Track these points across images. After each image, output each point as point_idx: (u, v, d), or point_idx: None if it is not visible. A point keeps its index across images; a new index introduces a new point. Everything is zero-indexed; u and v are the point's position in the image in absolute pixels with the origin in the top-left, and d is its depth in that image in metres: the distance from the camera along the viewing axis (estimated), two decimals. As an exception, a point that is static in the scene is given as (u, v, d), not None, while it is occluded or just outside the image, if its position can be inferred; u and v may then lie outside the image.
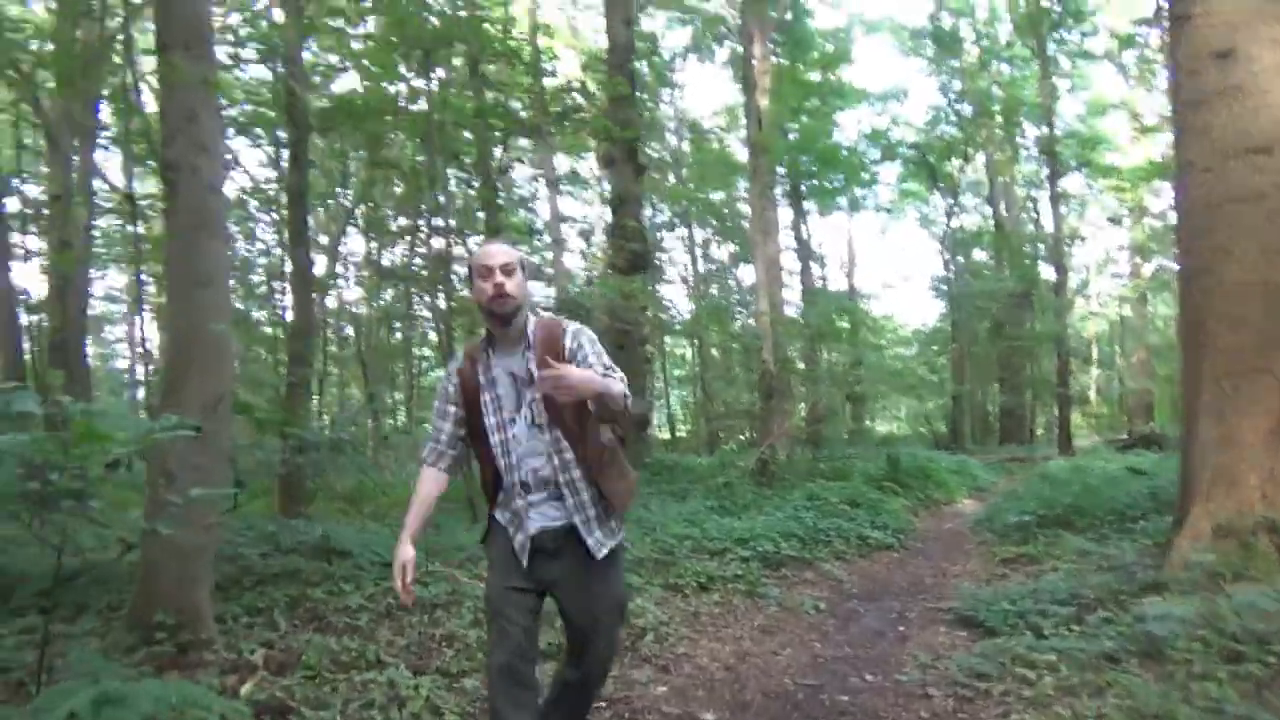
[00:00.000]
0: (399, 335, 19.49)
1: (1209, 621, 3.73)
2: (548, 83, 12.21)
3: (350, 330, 20.52)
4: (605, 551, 2.62)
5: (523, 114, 11.76)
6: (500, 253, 2.68)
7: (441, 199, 10.09)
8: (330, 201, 16.94)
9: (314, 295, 16.85)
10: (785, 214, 23.59)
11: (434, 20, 8.73)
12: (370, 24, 10.31)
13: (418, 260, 13.74)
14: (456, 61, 11.72)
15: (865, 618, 5.31)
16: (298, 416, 8.38)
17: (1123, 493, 7.60)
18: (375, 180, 12.24)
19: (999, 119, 23.44)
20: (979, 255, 27.42)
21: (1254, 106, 5.03)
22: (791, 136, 20.13)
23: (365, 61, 9.81)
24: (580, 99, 11.86)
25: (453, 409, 2.73)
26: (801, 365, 15.29)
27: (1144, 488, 7.64)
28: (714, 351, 25.96)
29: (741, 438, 20.09)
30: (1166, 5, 5.89)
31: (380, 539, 6.93)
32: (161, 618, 4.10)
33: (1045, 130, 19.03)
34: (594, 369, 2.57)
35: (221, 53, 8.31)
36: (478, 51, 10.71)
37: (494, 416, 2.65)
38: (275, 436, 6.53)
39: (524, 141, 13.72)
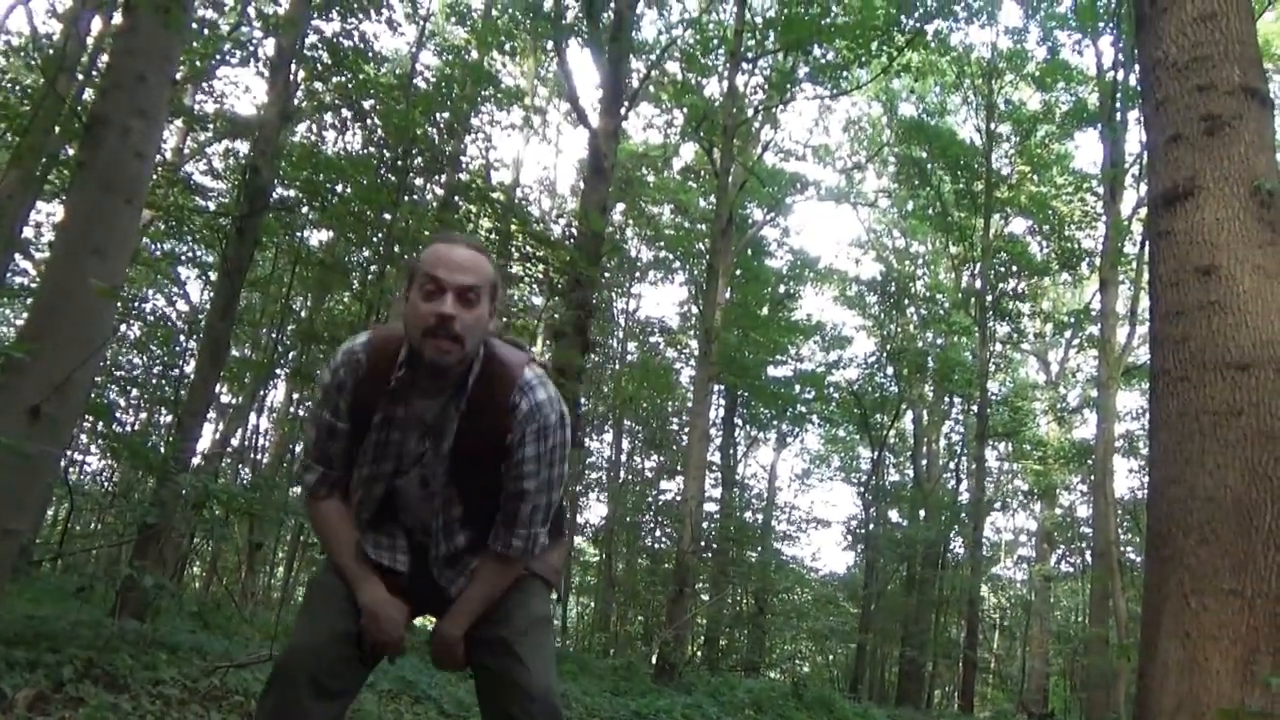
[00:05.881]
0: (297, 492, 18.28)
1: None
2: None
3: (248, 472, 19.36)
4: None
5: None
6: (466, 264, 1.80)
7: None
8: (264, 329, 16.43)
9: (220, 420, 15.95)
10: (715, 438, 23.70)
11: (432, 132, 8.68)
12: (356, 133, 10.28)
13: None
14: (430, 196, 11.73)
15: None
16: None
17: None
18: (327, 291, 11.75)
19: (931, 380, 24.33)
20: (895, 516, 27.56)
21: (1234, 324, 4.97)
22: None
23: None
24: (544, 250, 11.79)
25: (343, 427, 1.93)
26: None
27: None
28: (620, 566, 25.01)
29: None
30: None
31: (218, 645, 5.94)
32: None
33: (977, 394, 19.61)
34: (527, 492, 1.90)
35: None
36: (452, 183, 10.69)
37: (381, 464, 1.92)
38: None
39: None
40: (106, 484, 17.34)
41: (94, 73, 9.36)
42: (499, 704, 1.88)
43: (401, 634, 1.87)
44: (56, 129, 8.77)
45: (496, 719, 1.89)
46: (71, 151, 9.25)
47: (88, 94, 9.16)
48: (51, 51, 8.94)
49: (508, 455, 1.86)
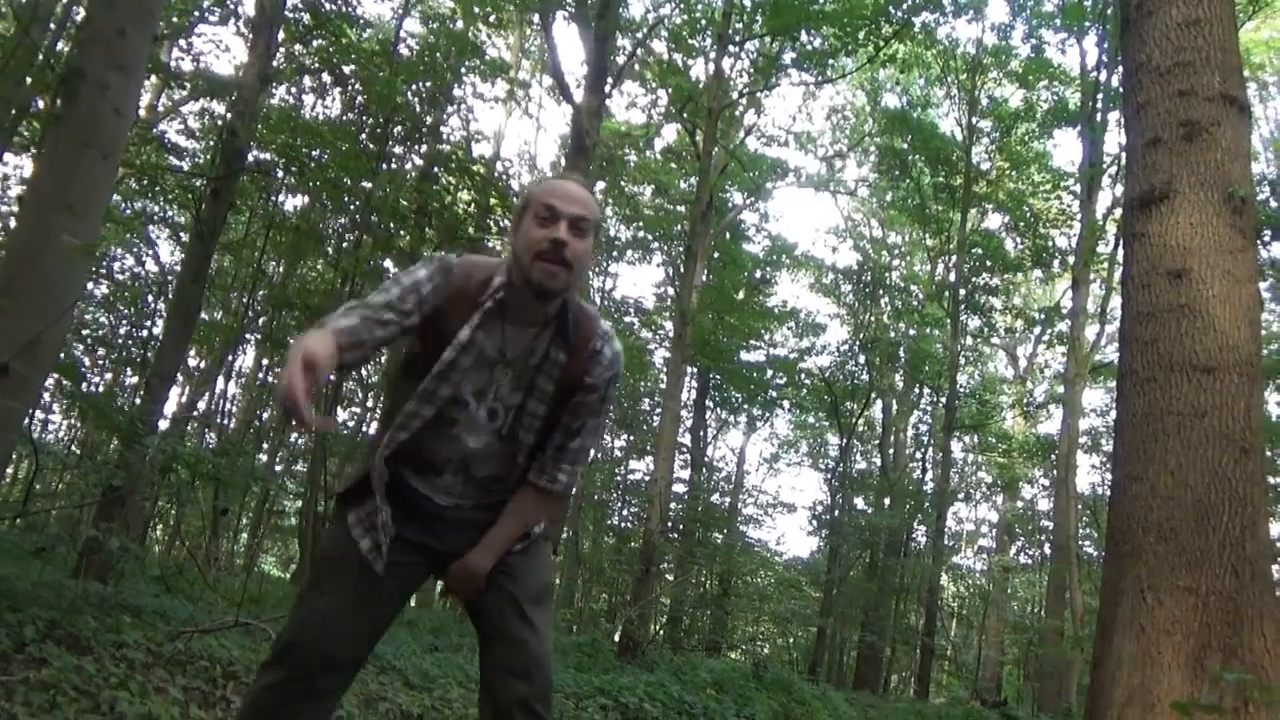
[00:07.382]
0: (264, 459, 18.13)
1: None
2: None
3: (213, 437, 19.14)
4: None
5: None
6: (579, 198, 1.85)
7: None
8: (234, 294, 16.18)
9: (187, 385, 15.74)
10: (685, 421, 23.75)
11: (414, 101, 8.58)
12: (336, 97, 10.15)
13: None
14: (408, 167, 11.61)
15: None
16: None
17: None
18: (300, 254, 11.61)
19: (902, 370, 24.55)
20: (860, 504, 27.85)
21: (1202, 327, 5.06)
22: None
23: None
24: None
25: (412, 319, 1.86)
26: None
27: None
28: (586, 544, 25.11)
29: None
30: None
31: (183, 610, 5.90)
32: None
33: (946, 386, 19.81)
34: (587, 430, 1.99)
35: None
36: (432, 154, 10.59)
37: (440, 387, 1.89)
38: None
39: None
40: (69, 444, 17.11)
41: (68, 24, 9.16)
42: (499, 660, 1.90)
43: (305, 387, 1.52)
44: (28, 80, 8.59)
45: (496, 672, 1.90)
46: (42, 104, 9.06)
47: (61, 45, 8.97)
48: (25, 1, 8.72)
49: (580, 394, 1.94)
